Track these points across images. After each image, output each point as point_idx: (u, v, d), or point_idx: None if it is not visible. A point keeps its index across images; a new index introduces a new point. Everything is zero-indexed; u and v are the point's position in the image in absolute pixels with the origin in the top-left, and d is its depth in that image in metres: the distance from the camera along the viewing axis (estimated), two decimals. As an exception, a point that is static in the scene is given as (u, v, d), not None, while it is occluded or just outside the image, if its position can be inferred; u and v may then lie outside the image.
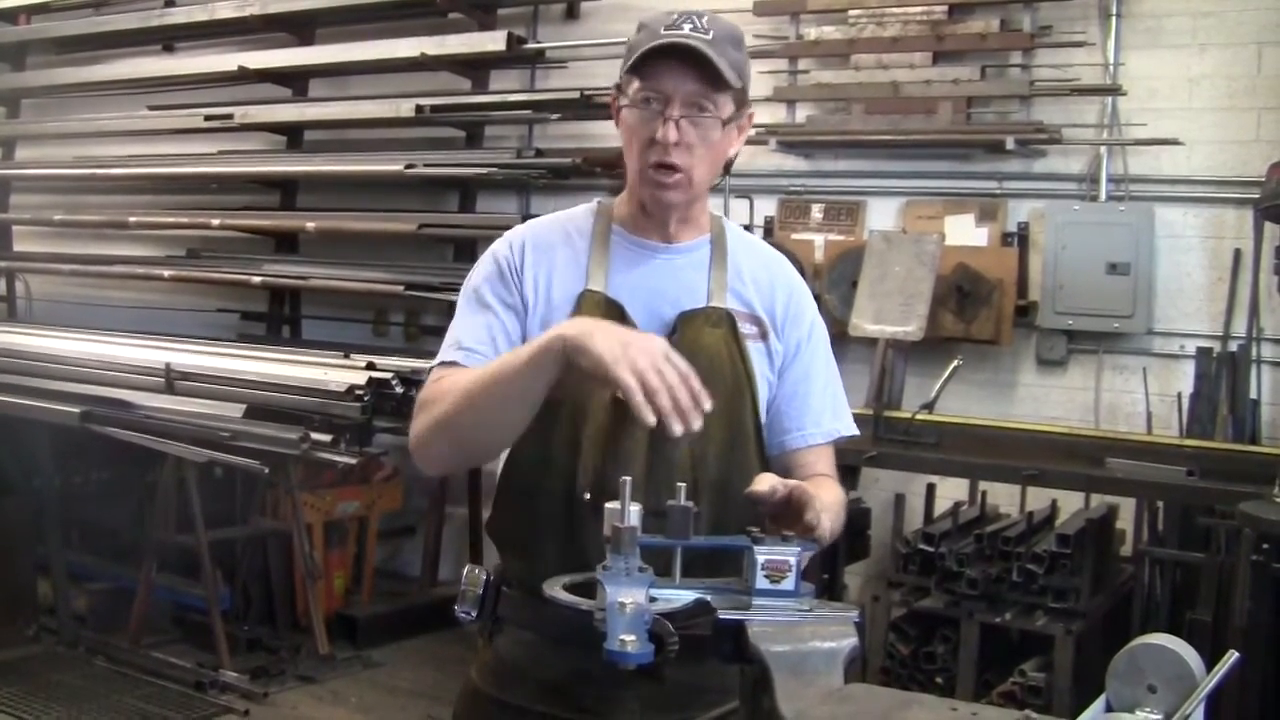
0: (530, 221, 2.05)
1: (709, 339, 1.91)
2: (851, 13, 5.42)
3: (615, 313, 1.90)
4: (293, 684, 5.12)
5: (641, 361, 1.61)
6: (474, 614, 1.94)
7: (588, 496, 1.83)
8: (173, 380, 5.19)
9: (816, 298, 2.12)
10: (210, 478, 5.45)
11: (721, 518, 1.81)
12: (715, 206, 5.36)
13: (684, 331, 1.90)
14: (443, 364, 1.91)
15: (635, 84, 1.85)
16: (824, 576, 4.08)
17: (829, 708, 1.39)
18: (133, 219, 6.93)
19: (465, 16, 6.34)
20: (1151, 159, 4.93)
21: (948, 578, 4.32)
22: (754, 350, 1.95)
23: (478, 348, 1.89)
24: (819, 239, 5.55)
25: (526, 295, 1.93)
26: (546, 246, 1.97)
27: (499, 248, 1.98)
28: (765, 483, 1.67)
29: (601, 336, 1.65)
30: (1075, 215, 5.01)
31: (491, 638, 1.98)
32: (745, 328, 1.95)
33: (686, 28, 1.82)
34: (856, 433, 2.08)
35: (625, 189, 2.00)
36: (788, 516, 1.66)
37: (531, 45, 6.06)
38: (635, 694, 1.85)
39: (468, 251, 6.14)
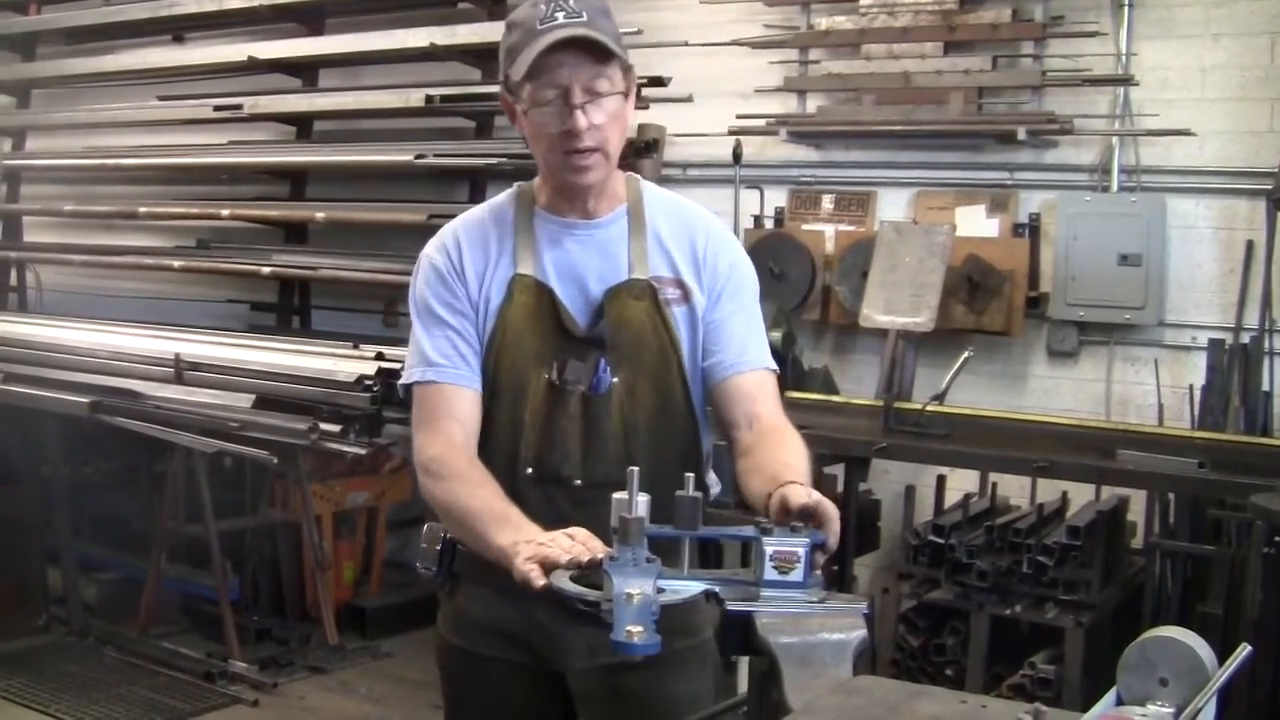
0: (455, 219, 2.14)
1: (633, 312, 2.01)
2: (862, 2, 5.39)
3: (546, 295, 2.01)
4: (302, 674, 5.14)
5: (540, 549, 1.68)
6: (434, 569, 2.08)
7: (530, 471, 1.98)
8: (182, 370, 5.19)
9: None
10: (219, 468, 5.45)
11: (656, 475, 1.82)
12: (726, 197, 5.31)
13: (610, 307, 2.01)
14: (417, 384, 2.03)
15: (528, 87, 1.91)
16: (833, 568, 4.07)
17: (837, 699, 1.38)
18: (142, 209, 6.93)
19: (475, 6, 6.32)
20: (1163, 150, 4.90)
21: (958, 570, 4.31)
22: (678, 314, 2.04)
23: (443, 362, 2.01)
24: (829, 230, 5.52)
25: (472, 292, 2.03)
26: (479, 238, 2.06)
27: (433, 255, 2.07)
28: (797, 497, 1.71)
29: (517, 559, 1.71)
30: (1087, 206, 4.98)
31: (451, 592, 2.12)
32: (668, 293, 2.04)
33: (560, 16, 1.88)
34: (776, 369, 2.14)
35: (538, 175, 2.07)
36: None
37: (541, 35, 6.04)
38: (584, 638, 1.98)
39: (477, 242, 6.12)
